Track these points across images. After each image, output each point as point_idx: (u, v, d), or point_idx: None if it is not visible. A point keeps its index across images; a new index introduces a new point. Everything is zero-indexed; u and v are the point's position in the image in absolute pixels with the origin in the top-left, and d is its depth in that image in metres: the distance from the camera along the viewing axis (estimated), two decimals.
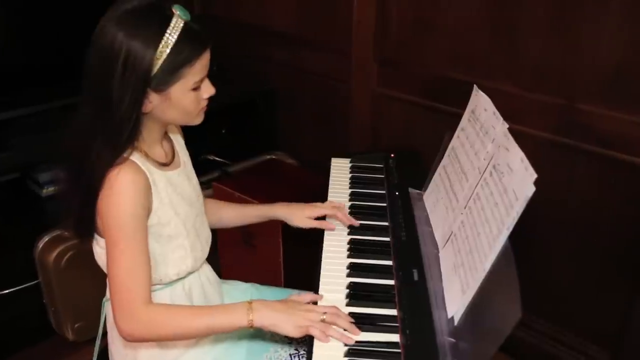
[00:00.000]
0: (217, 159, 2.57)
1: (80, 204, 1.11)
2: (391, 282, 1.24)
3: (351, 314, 1.13)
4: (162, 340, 1.17)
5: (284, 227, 2.03)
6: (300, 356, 1.28)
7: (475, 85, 1.37)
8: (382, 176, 1.65)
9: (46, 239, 1.86)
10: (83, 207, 1.10)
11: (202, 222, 1.28)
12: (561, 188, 1.79)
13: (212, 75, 1.13)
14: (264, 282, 1.52)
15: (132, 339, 1.07)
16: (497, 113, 1.21)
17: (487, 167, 1.18)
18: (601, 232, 1.74)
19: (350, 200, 1.54)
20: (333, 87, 2.38)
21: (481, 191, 1.17)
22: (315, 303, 1.16)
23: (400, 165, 1.68)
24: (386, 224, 1.44)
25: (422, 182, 1.52)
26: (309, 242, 1.43)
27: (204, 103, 1.14)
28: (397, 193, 1.54)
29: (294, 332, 1.07)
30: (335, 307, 1.12)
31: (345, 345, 1.07)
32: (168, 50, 1.02)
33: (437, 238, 1.33)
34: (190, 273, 1.23)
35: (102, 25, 1.03)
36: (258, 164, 2.54)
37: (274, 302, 1.11)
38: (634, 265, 1.68)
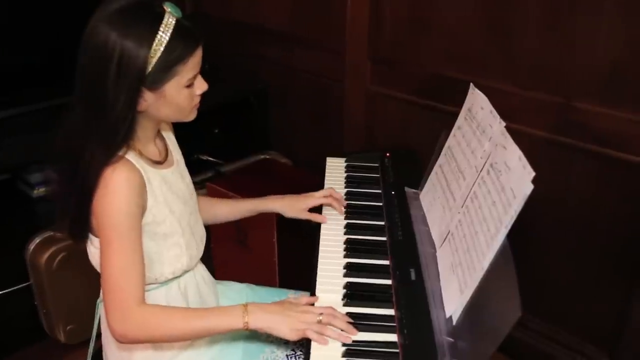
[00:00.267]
0: (210, 159, 2.56)
1: (75, 204, 1.10)
2: (388, 281, 1.23)
3: (348, 314, 1.12)
4: (156, 341, 1.16)
5: (279, 227, 2.03)
6: (297, 357, 1.28)
7: (471, 84, 1.36)
8: (378, 175, 1.64)
9: (37, 240, 1.85)
10: (78, 207, 1.09)
11: (196, 220, 1.27)
12: (558, 186, 1.78)
13: (205, 74, 1.14)
14: (258, 282, 1.51)
15: (126, 340, 1.06)
16: (494, 111, 1.21)
17: (484, 165, 1.17)
18: (598, 230, 1.74)
19: (346, 199, 1.53)
20: (327, 85, 2.37)
21: (478, 190, 1.16)
22: (312, 305, 1.15)
23: (396, 164, 1.67)
24: (382, 223, 1.43)
25: (419, 181, 1.51)
26: (304, 242, 1.42)
27: (197, 99, 1.14)
28: (393, 192, 1.53)
29: (290, 335, 1.06)
30: (331, 307, 1.11)
31: (343, 345, 1.06)
32: (162, 49, 1.02)
33: (434, 237, 1.32)
34: (185, 272, 1.23)
35: (93, 25, 1.02)
36: (252, 163, 2.53)
37: (270, 305, 1.10)
38: (631, 264, 1.68)
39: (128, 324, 1.03)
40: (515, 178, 1.01)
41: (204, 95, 1.15)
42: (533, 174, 0.95)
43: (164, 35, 1.02)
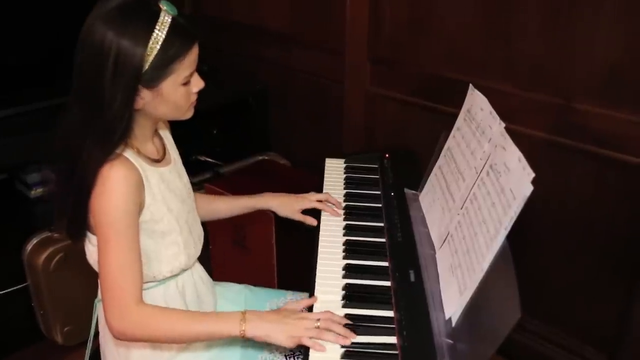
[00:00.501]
0: (208, 159, 2.55)
1: (73, 204, 1.10)
2: (387, 283, 1.22)
3: (347, 316, 1.12)
4: (153, 341, 1.16)
5: (277, 228, 2.02)
6: (296, 356, 1.27)
7: (470, 85, 1.36)
8: (377, 177, 1.64)
9: (35, 241, 1.85)
10: (76, 207, 1.09)
11: (194, 219, 1.27)
12: (558, 187, 1.78)
13: (204, 75, 1.14)
14: (257, 284, 1.50)
15: (124, 338, 1.07)
16: (494, 112, 1.20)
17: (483, 166, 1.16)
18: (598, 231, 1.73)
19: (345, 201, 1.53)
20: (326, 86, 2.36)
21: (478, 191, 1.15)
22: (310, 308, 1.15)
23: (396, 165, 1.67)
24: (382, 224, 1.42)
25: (418, 182, 1.51)
26: (303, 243, 1.42)
27: (194, 97, 1.14)
28: (392, 193, 1.53)
29: (287, 343, 1.06)
30: (329, 312, 1.11)
31: (342, 347, 1.05)
32: (158, 47, 1.02)
33: (433, 239, 1.31)
34: (183, 270, 1.23)
35: (90, 24, 1.03)
36: (250, 164, 2.52)
37: (267, 313, 1.11)
38: (631, 265, 1.67)
39: (126, 322, 1.04)
40: (515, 179, 1.00)
41: (201, 95, 1.15)
42: (533, 175, 0.95)
43: (160, 33, 1.02)
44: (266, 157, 2.55)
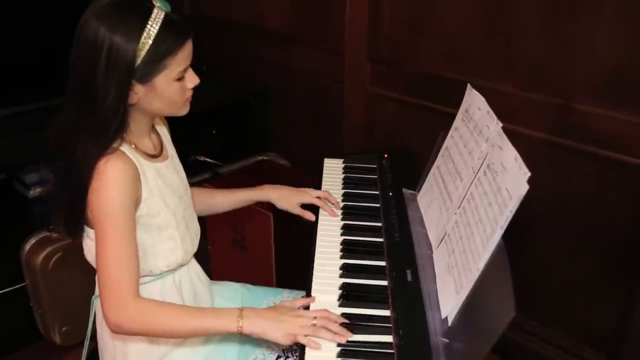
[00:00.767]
0: (208, 160, 2.55)
1: (71, 200, 1.11)
2: (384, 282, 1.22)
3: (344, 315, 1.12)
4: (149, 335, 1.16)
5: (276, 228, 2.02)
6: (294, 351, 1.27)
7: (468, 85, 1.35)
8: (376, 177, 1.64)
9: (33, 240, 1.85)
10: (73, 202, 1.10)
11: (191, 215, 1.28)
12: (558, 188, 1.77)
13: (204, 75, 1.16)
14: (255, 284, 1.50)
15: (120, 331, 1.07)
16: (491, 112, 1.20)
17: (481, 166, 1.16)
18: (598, 232, 1.73)
19: (343, 200, 1.52)
20: (326, 86, 2.36)
21: (475, 191, 1.15)
22: (307, 307, 1.15)
23: (394, 165, 1.67)
24: (379, 224, 1.42)
25: (417, 182, 1.50)
26: (302, 243, 1.41)
27: (189, 93, 1.15)
28: (390, 193, 1.53)
29: (284, 340, 1.07)
30: (326, 310, 1.11)
31: (338, 345, 1.05)
32: (150, 42, 1.03)
33: (430, 239, 1.31)
34: (180, 266, 1.24)
35: (84, 21, 1.04)
36: (250, 165, 2.51)
37: (265, 310, 1.11)
38: (631, 265, 1.66)
39: (123, 315, 1.04)
40: (511, 179, 1.00)
41: (200, 95, 1.16)
42: (528, 174, 0.94)
43: (152, 29, 1.03)
44: (266, 157, 2.54)
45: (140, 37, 1.02)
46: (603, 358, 1.81)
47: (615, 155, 1.62)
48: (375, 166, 1.69)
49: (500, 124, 1.14)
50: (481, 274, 1.00)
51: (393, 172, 1.63)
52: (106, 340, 1.24)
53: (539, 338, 1.94)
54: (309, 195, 1.46)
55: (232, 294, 1.42)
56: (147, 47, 1.03)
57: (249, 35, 2.61)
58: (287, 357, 1.28)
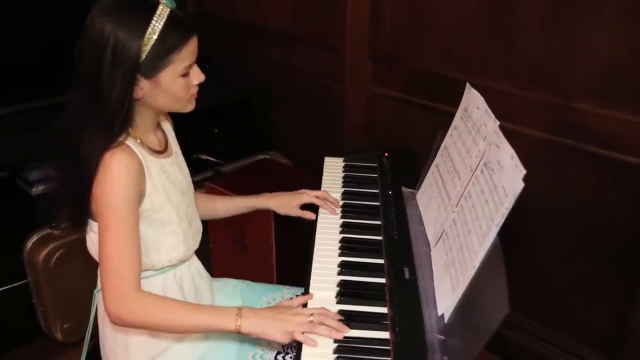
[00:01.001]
0: (210, 158, 2.56)
1: (75, 197, 1.12)
2: (382, 280, 1.23)
3: (341, 312, 1.12)
4: (149, 329, 1.17)
5: (276, 226, 2.02)
6: (293, 348, 1.28)
7: (467, 83, 1.36)
8: (376, 175, 1.64)
9: (35, 238, 1.86)
10: (78, 198, 1.12)
11: (193, 212, 1.29)
12: (557, 187, 1.77)
13: (206, 74, 1.15)
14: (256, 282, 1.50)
15: (121, 323, 1.08)
16: (489, 110, 1.20)
17: (478, 164, 1.16)
18: (597, 231, 1.73)
19: (343, 199, 1.53)
20: (327, 85, 2.37)
21: (472, 189, 1.15)
22: (305, 305, 1.16)
23: (395, 164, 1.67)
24: (378, 222, 1.42)
25: (416, 180, 1.51)
26: (302, 242, 1.42)
27: (194, 90, 1.16)
28: (390, 192, 1.53)
29: (282, 338, 1.07)
30: (323, 308, 1.12)
31: (335, 342, 1.06)
32: (155, 37, 1.05)
33: (429, 237, 1.31)
34: (181, 262, 1.25)
35: (91, 17, 1.06)
36: (252, 163, 2.52)
37: (263, 310, 1.11)
38: (631, 265, 1.66)
39: (124, 308, 1.05)
40: (508, 177, 1.00)
41: (203, 94, 1.17)
42: (524, 172, 0.95)
43: (157, 25, 1.04)
44: (267, 156, 2.55)
45: (145, 32, 1.04)
46: (603, 358, 1.81)
47: (615, 154, 1.62)
48: (375, 165, 1.69)
49: (498, 122, 1.15)
50: (477, 272, 1.00)
51: (393, 171, 1.63)
52: (108, 334, 1.24)
53: (539, 338, 1.94)
54: (307, 195, 1.47)
55: (231, 290, 1.42)
56: (151, 42, 1.04)
57: (252, 34, 2.62)
58: (287, 352, 1.29)
